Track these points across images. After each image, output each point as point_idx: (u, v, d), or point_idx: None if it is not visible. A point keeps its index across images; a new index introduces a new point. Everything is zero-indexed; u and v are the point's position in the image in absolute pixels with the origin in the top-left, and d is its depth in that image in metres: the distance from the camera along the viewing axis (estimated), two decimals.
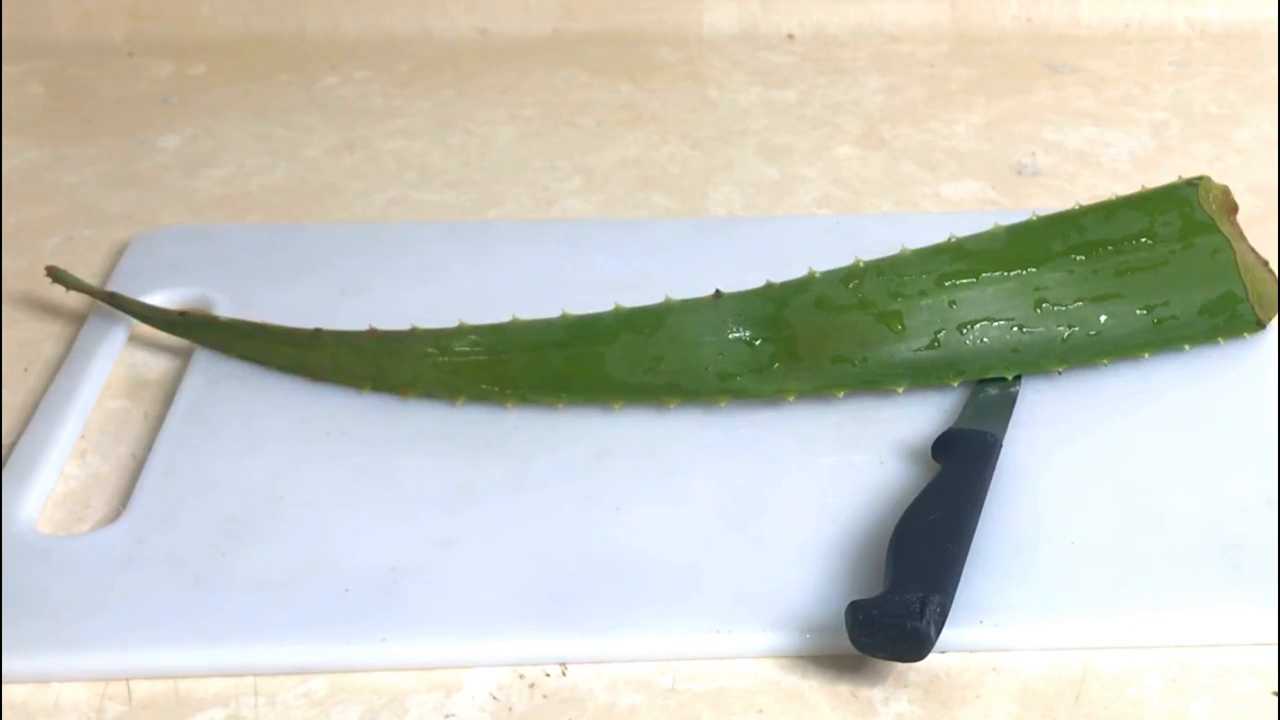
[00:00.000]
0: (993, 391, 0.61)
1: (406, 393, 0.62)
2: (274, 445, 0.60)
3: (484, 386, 0.61)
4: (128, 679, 0.50)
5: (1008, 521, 0.55)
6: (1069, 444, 0.59)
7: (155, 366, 0.66)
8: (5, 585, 0.53)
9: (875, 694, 0.49)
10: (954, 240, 0.63)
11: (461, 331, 0.61)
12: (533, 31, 1.00)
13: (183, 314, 0.66)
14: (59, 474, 0.60)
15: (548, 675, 0.50)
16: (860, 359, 0.60)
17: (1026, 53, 0.97)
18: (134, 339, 0.68)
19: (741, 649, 0.50)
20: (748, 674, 0.50)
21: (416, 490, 0.57)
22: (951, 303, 0.61)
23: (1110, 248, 0.63)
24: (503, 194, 0.81)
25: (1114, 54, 0.97)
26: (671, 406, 0.61)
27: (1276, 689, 0.49)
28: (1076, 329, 0.62)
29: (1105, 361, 0.62)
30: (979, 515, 0.53)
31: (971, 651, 0.51)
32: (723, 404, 0.60)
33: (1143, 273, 0.63)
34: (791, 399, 0.60)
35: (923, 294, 0.61)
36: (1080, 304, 0.62)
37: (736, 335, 0.60)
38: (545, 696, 0.49)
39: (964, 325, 0.61)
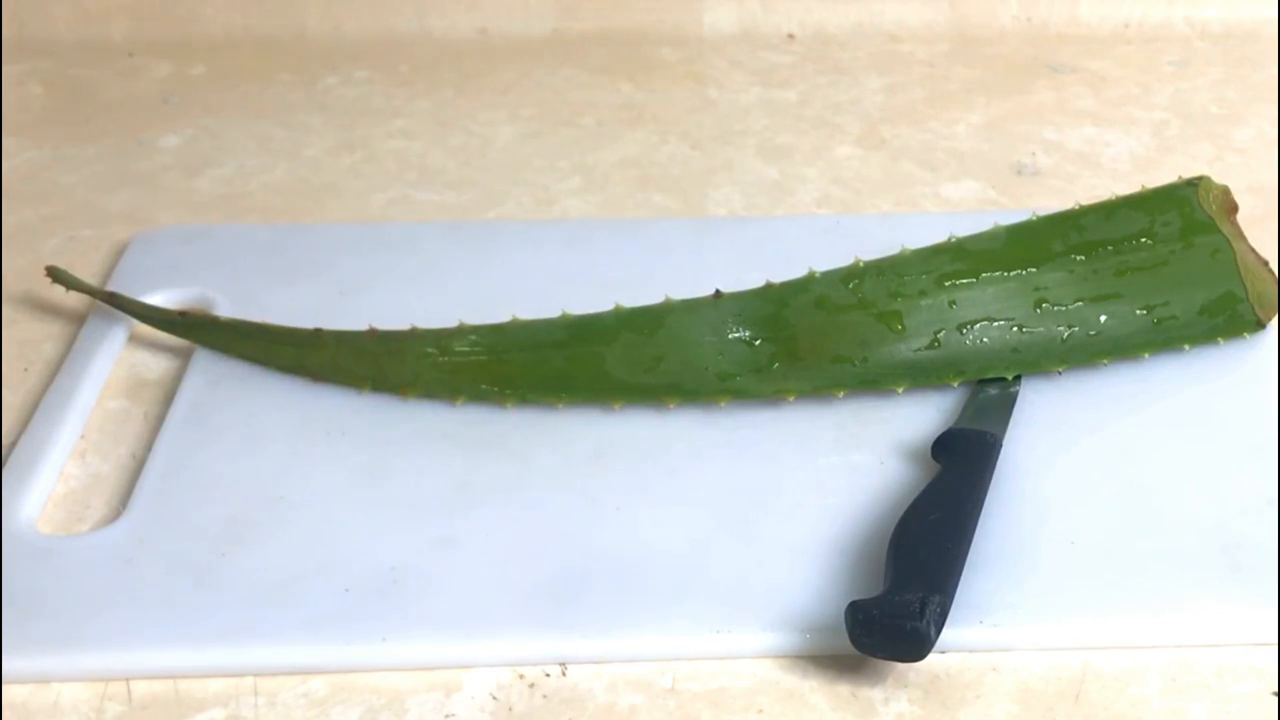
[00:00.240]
0: (993, 391, 0.61)
1: (406, 393, 0.62)
2: (274, 445, 0.60)
3: (484, 386, 0.61)
4: (128, 679, 0.50)
5: (1008, 521, 0.55)
6: (1069, 444, 0.59)
7: (155, 366, 0.66)
8: (5, 585, 0.53)
9: (875, 694, 0.49)
10: (954, 240, 0.63)
11: (461, 331, 0.61)
12: (533, 31, 1.00)
13: (183, 314, 0.66)
14: (59, 474, 0.60)
15: (548, 675, 0.50)
16: (860, 359, 0.60)
17: (1026, 53, 0.97)
18: (134, 339, 0.68)
19: (741, 649, 0.50)
20: (748, 674, 0.50)
21: (416, 490, 0.57)
22: (951, 303, 0.61)
23: (1110, 248, 0.63)
24: (503, 194, 0.81)
25: (1114, 54, 0.97)
26: (671, 406, 0.61)
27: (1276, 689, 0.49)
28: (1076, 329, 0.62)
29: (1105, 361, 0.62)
30: (979, 515, 0.53)
31: (971, 651, 0.51)
32: (723, 404, 0.60)
33: (1143, 273, 0.63)
34: (791, 399, 0.60)
35: (923, 294, 0.61)
36: (1080, 304, 0.62)
37: (736, 335, 0.60)
38: (545, 696, 0.49)
39: (964, 325, 0.61)
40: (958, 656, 0.50)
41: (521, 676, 0.50)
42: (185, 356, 0.66)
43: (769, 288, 0.61)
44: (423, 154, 0.86)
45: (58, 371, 0.64)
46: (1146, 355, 0.62)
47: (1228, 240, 0.64)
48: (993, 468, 0.56)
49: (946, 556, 0.50)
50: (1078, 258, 0.62)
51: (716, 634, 0.51)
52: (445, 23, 1.00)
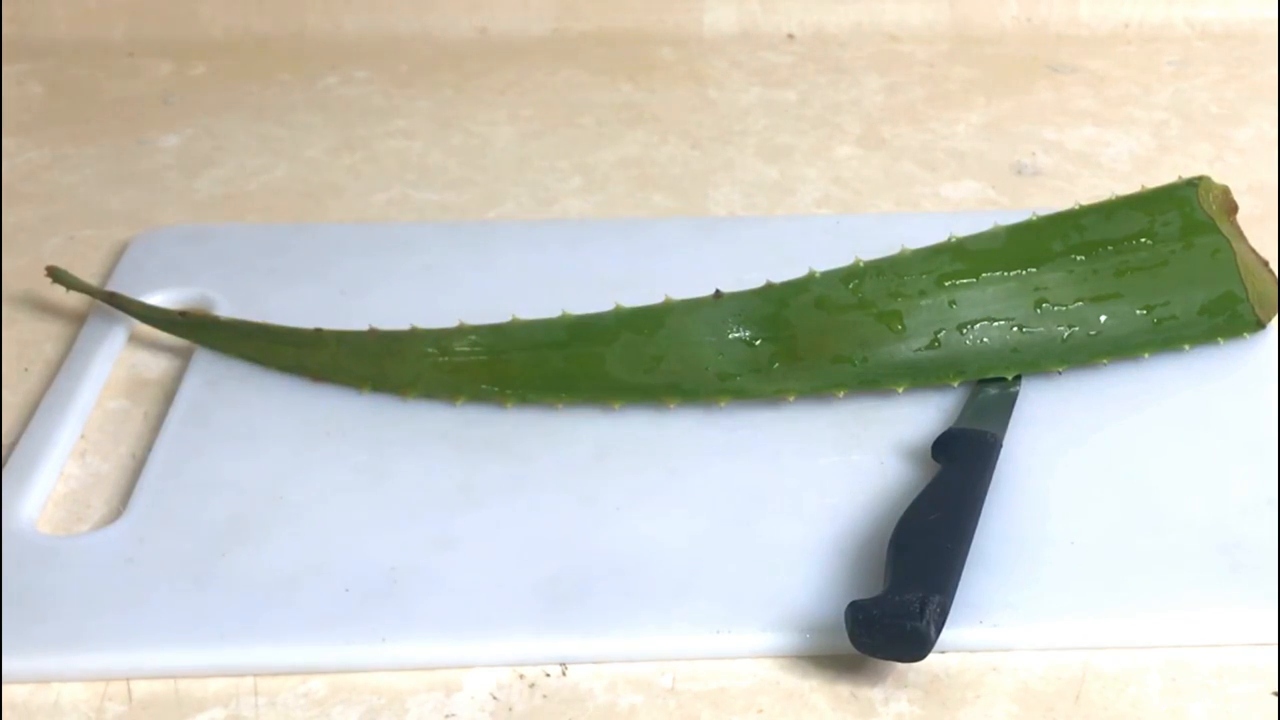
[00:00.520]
0: (993, 391, 0.61)
1: (406, 393, 0.62)
2: (274, 445, 0.60)
3: (484, 386, 0.61)
4: (128, 679, 0.50)
5: (1008, 521, 0.55)
6: (1069, 444, 0.59)
7: (155, 366, 0.66)
8: (5, 585, 0.53)
9: (875, 694, 0.49)
10: (954, 240, 0.63)
11: (461, 331, 0.61)
12: (533, 31, 1.00)
13: (183, 314, 0.66)
14: (59, 474, 0.60)
15: (548, 675, 0.50)
16: (860, 359, 0.60)
17: (1026, 53, 0.97)
18: (134, 339, 0.68)
19: (741, 649, 0.50)
20: (748, 674, 0.50)
21: (416, 490, 0.57)
22: (951, 303, 0.61)
23: (1110, 248, 0.63)
24: (503, 194, 0.81)
25: (1114, 54, 0.97)
26: (671, 406, 0.61)
27: (1276, 689, 0.49)
28: (1076, 329, 0.62)
29: (1105, 361, 0.62)
30: (979, 515, 0.53)
31: (971, 651, 0.51)
32: (723, 404, 0.60)
33: (1143, 273, 0.63)
34: (791, 399, 0.60)
35: (923, 294, 0.61)
36: (1080, 304, 0.62)
37: (736, 335, 0.60)
38: (545, 696, 0.49)
39: (964, 325, 0.61)
40: (958, 656, 0.50)
41: (521, 676, 0.50)
42: (185, 356, 0.66)
43: (769, 288, 0.61)
44: (423, 154, 0.86)
45: (58, 371, 0.64)
46: (1146, 355, 0.62)
47: (1228, 240, 0.64)
48: (993, 468, 0.56)
49: (946, 556, 0.50)
50: (1078, 258, 0.62)
51: (716, 634, 0.51)
52: (445, 23, 1.00)
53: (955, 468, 0.56)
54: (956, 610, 0.49)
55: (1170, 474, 0.57)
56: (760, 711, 0.49)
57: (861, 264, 0.62)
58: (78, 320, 0.69)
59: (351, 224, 0.78)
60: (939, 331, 0.61)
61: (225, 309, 0.68)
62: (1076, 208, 0.64)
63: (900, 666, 0.50)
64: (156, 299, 0.69)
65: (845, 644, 0.48)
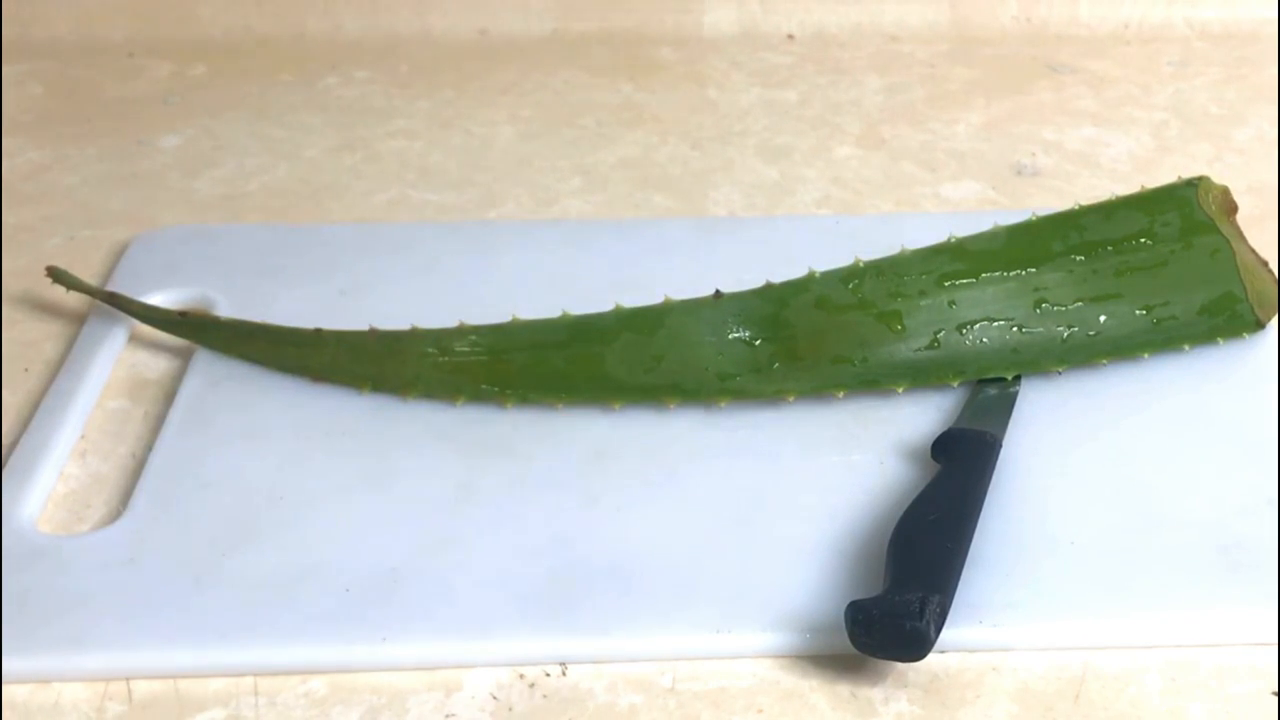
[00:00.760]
0: (993, 391, 0.61)
1: (406, 393, 0.62)
2: (274, 445, 0.60)
3: (484, 386, 0.61)
4: (128, 679, 0.50)
5: (1008, 521, 0.55)
6: (1069, 444, 0.59)
7: (155, 366, 0.66)
8: (5, 585, 0.53)
9: (875, 694, 0.49)
10: (954, 240, 0.63)
11: (461, 331, 0.61)
12: (533, 31, 1.00)
13: (183, 314, 0.66)
14: (59, 474, 0.60)
15: (548, 675, 0.50)
16: (860, 359, 0.60)
17: (1026, 53, 0.97)
18: (134, 339, 0.68)
19: (741, 649, 0.51)
20: (748, 674, 0.50)
21: (416, 490, 0.57)
22: (951, 303, 0.61)
23: (1110, 248, 0.63)
24: (503, 194, 0.81)
25: (1114, 54, 0.97)
26: (671, 406, 0.61)
27: (1276, 689, 0.49)
28: (1076, 329, 0.62)
29: (1105, 362, 0.62)
30: (979, 515, 0.53)
31: (971, 651, 0.51)
32: (723, 404, 0.60)
33: (1142, 273, 0.63)
34: (791, 399, 0.61)
35: (923, 294, 0.61)
36: (1080, 304, 0.62)
37: (736, 335, 0.60)
38: (545, 696, 0.49)
39: (964, 325, 0.61)
40: (958, 656, 0.50)
41: (521, 676, 0.50)
42: (185, 356, 0.66)
43: (769, 288, 0.61)
44: (423, 154, 0.86)
45: (58, 371, 0.64)
46: (1146, 355, 0.62)
47: (1227, 240, 0.64)
48: (992, 468, 0.56)
49: (946, 556, 0.50)
50: (1077, 258, 0.62)
51: (716, 634, 0.51)
52: (445, 23, 1.00)
53: (955, 468, 0.56)
54: (956, 610, 0.49)
55: (1170, 474, 0.57)
56: (760, 711, 0.49)
57: (861, 264, 0.62)
58: (78, 320, 0.69)
59: (351, 224, 0.78)
60: (939, 332, 0.61)
61: (225, 309, 0.68)
62: (1076, 208, 0.64)
63: (900, 666, 0.50)
64: (156, 299, 0.69)
65: (845, 644, 0.48)
